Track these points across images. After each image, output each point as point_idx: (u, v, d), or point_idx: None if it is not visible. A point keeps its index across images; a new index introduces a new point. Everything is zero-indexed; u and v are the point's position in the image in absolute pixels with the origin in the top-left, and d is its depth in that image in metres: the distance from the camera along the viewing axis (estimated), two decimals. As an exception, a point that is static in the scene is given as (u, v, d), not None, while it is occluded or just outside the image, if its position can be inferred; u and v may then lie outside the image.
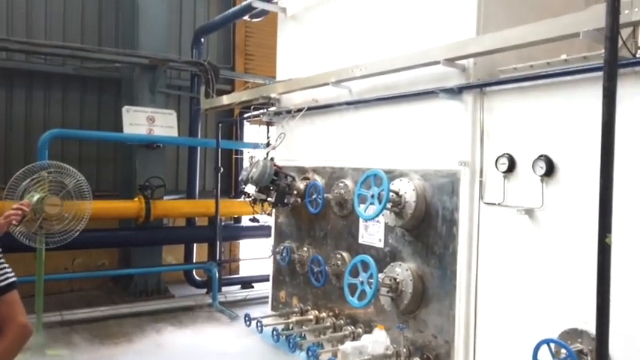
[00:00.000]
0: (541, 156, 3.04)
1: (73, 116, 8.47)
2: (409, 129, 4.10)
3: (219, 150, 7.91)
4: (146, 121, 7.27)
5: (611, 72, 1.95)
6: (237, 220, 8.96)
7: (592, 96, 2.70)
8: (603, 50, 2.29)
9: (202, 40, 8.38)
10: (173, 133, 7.70)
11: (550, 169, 2.99)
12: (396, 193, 3.90)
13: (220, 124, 8.05)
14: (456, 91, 3.58)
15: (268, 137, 6.88)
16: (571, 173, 2.94)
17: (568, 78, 2.93)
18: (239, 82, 9.73)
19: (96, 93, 8.64)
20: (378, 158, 4.37)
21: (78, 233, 4.95)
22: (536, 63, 3.14)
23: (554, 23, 2.76)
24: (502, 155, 3.29)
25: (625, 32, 2.59)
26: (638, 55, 2.61)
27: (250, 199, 5.20)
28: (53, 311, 6.28)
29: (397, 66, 3.93)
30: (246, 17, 7.19)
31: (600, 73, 2.33)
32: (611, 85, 1.98)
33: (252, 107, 6.25)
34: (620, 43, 2.64)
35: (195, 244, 8.41)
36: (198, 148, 8.48)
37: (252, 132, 9.57)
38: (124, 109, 7.30)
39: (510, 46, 3.06)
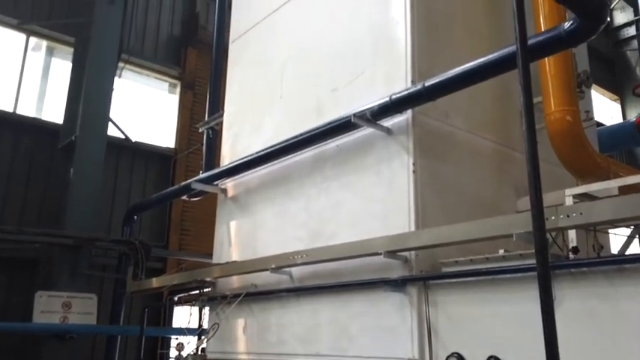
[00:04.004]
0: (491, 357, 3.04)
1: (-25, 301, 7.86)
2: (354, 320, 4.06)
3: (144, 339, 7.41)
4: (61, 308, 6.84)
5: (546, 285, 2.09)
6: None
7: (533, 297, 2.83)
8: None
9: (135, 217, 8.42)
10: (91, 320, 7.23)
11: (503, 373, 2.98)
12: (342, 397, 3.70)
13: (147, 309, 7.67)
14: (400, 283, 3.67)
15: (200, 324, 6.57)
16: (526, 378, 2.94)
17: (507, 275, 3.10)
18: (172, 258, 9.60)
19: (6, 274, 8.17)
20: (322, 352, 4.22)
21: None
22: (476, 257, 3.33)
23: (487, 224, 3.01)
24: (452, 355, 3.28)
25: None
26: (571, 256, 2.83)
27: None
28: None
29: (339, 255, 4.05)
30: (184, 197, 7.39)
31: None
32: (548, 300, 2.10)
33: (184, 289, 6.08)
34: (550, 240, 2.89)
35: None
36: (119, 336, 7.93)
37: (182, 313, 9.15)
38: (37, 294, 6.89)
39: (448, 242, 3.26)
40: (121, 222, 8.59)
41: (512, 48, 3.04)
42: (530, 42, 2.79)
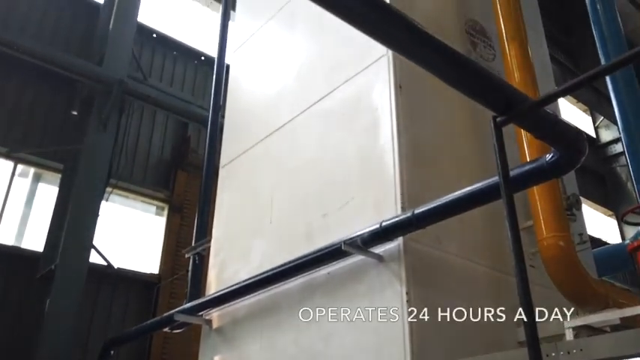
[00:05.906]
0: None
1: None
2: None
3: None
4: None
5: None
6: None
7: None
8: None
9: (112, 352, 8.08)
10: None
11: None
12: None
13: None
14: None
15: None
16: None
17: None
18: (150, 398, 9.07)
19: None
20: None
21: None
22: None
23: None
24: None
25: None
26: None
27: None
28: None
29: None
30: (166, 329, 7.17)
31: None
32: None
33: None
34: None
35: None
36: None
37: None
38: None
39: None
40: (96, 357, 8.22)
41: (497, 179, 3.20)
42: (513, 174, 2.95)
